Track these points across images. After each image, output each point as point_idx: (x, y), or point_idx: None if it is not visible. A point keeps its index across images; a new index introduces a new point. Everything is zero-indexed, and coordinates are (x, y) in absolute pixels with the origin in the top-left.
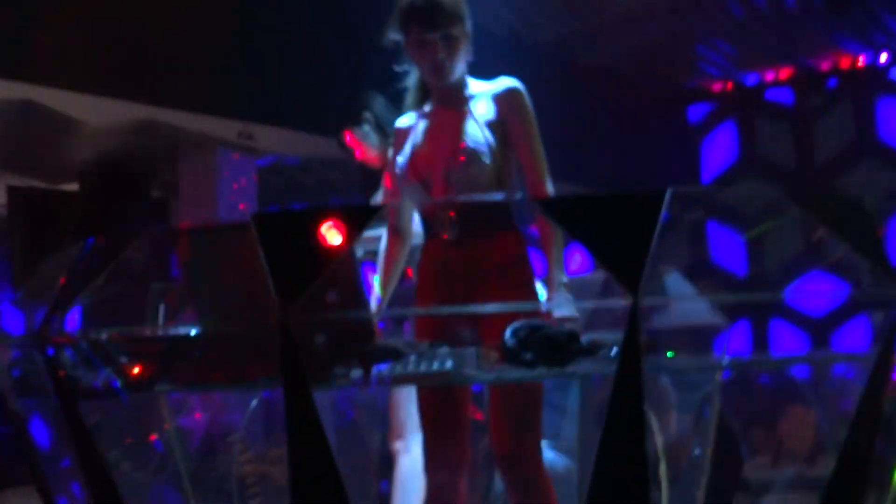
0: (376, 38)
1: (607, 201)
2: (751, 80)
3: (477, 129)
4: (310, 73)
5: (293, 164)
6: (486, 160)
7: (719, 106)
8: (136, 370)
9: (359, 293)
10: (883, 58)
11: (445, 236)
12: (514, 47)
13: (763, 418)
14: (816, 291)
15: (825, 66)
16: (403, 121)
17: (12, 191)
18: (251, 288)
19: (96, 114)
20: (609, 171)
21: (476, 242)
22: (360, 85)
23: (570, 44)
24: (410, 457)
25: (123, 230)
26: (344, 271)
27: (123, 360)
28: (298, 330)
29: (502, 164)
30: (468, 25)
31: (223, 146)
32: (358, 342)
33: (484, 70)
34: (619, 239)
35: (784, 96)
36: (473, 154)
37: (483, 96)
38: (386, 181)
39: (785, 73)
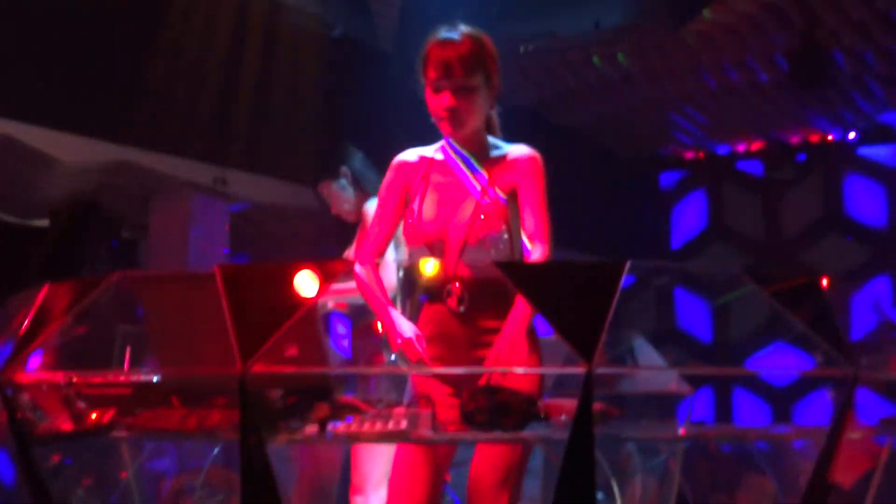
0: (355, 92)
1: (567, 269)
2: (722, 150)
3: (497, 207)
4: (288, 122)
5: (266, 211)
6: (502, 245)
7: (690, 174)
8: (93, 415)
9: (321, 348)
10: (851, 135)
11: (452, 306)
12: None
13: (722, 486)
14: (779, 363)
15: (795, 140)
16: (410, 156)
17: None
18: (213, 338)
19: (72, 152)
20: (580, 233)
21: (481, 315)
22: (338, 137)
23: (546, 105)
24: None
25: (91, 270)
26: (307, 326)
27: (82, 404)
28: (257, 383)
29: (515, 235)
30: (494, 79)
31: (197, 191)
32: (317, 398)
33: None
34: (577, 307)
35: (754, 167)
36: (489, 239)
37: (501, 159)
38: (360, 235)
39: (756, 144)
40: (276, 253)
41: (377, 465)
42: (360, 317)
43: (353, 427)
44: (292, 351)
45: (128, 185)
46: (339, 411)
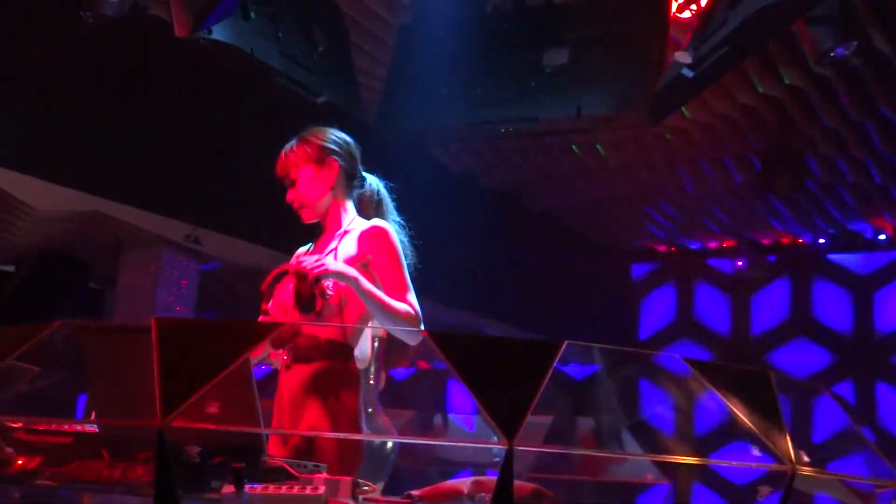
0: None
1: (500, 345)
2: (694, 245)
3: (329, 257)
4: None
5: (238, 272)
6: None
7: (661, 266)
8: (19, 461)
9: (251, 409)
10: (822, 240)
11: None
12: (468, 186)
13: None
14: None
15: (766, 241)
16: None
17: None
18: (145, 391)
19: (45, 199)
20: (547, 317)
21: (301, 367)
22: None
23: (523, 190)
24: None
25: (56, 317)
26: (239, 384)
27: (10, 449)
28: (176, 437)
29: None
30: (331, 162)
31: (168, 246)
32: (244, 458)
33: (437, 204)
34: (506, 383)
35: (725, 265)
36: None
37: (352, 234)
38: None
39: (728, 242)
40: (245, 314)
41: None
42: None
43: (271, 489)
44: (221, 409)
45: (99, 235)
46: (263, 473)
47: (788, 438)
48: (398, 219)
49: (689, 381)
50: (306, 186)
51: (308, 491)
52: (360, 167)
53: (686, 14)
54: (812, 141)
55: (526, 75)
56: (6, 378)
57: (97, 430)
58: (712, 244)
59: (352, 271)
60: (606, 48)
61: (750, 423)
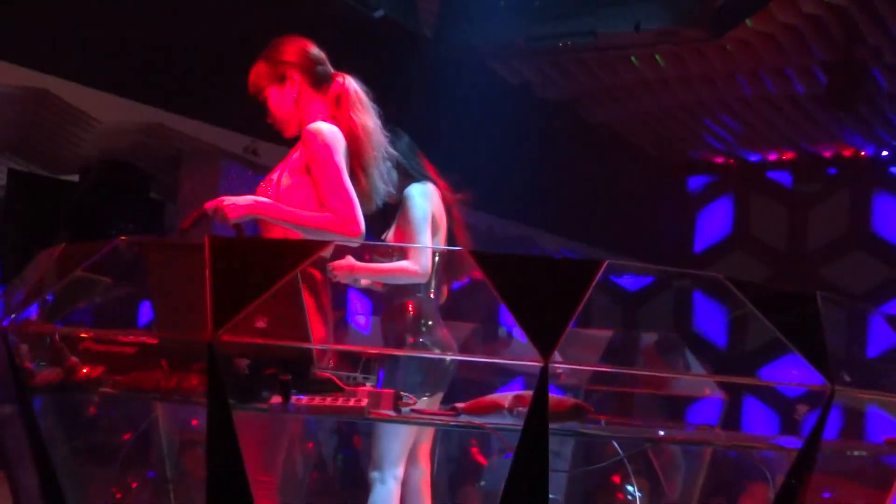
0: (395, 74)
1: (540, 264)
2: (753, 157)
3: (278, 172)
4: None
5: None
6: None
7: (719, 179)
8: (84, 370)
9: (300, 324)
10: (884, 153)
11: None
12: (525, 98)
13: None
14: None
15: (827, 153)
16: None
17: (13, 174)
18: (195, 306)
19: (109, 111)
20: (605, 229)
21: None
22: (386, 122)
23: (581, 102)
24: (385, 488)
25: (117, 227)
26: (289, 301)
27: (76, 359)
28: (226, 350)
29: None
30: (291, 72)
31: (227, 158)
32: (294, 370)
33: (494, 116)
34: (543, 303)
35: (784, 178)
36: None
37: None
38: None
39: (787, 155)
40: None
41: (396, 444)
42: (393, 298)
43: (316, 401)
44: (271, 323)
45: (160, 147)
46: (312, 385)
47: (829, 358)
48: (361, 117)
49: (735, 299)
50: (275, 106)
51: (352, 403)
52: (325, 67)
53: None
54: (878, 51)
55: None
56: (72, 291)
57: (157, 342)
58: (771, 156)
59: (255, 204)
60: None
61: (791, 344)
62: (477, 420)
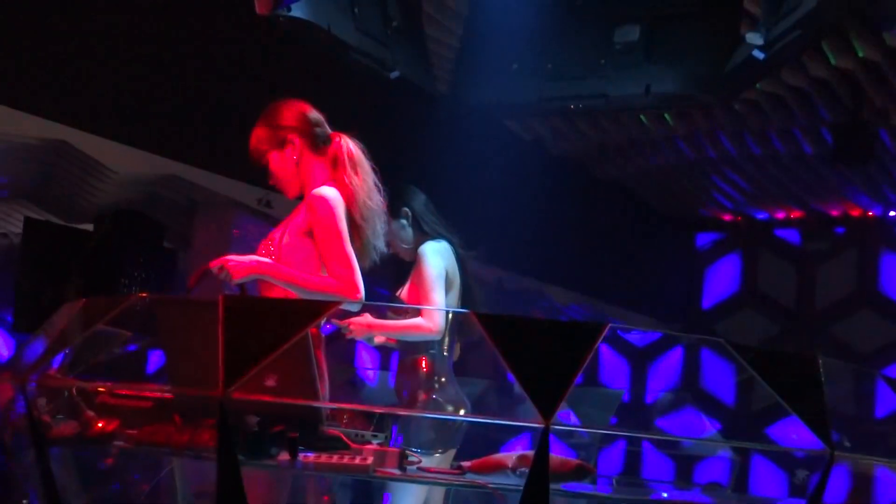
0: (411, 133)
1: (543, 326)
2: (761, 215)
3: (274, 246)
4: None
5: None
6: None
7: (727, 236)
8: (99, 424)
9: (310, 382)
10: (892, 213)
11: None
12: (536, 154)
13: None
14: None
15: (835, 212)
16: None
17: (29, 222)
18: (208, 362)
19: (124, 162)
20: (613, 285)
21: None
22: (393, 178)
23: (591, 157)
24: None
25: (130, 275)
26: (299, 359)
27: (92, 413)
28: (237, 407)
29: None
30: (290, 136)
31: (241, 209)
32: (303, 428)
33: (505, 171)
34: (545, 364)
35: (791, 236)
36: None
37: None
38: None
39: (795, 213)
40: None
41: (409, 499)
42: (406, 355)
43: (323, 458)
44: (281, 381)
45: (174, 197)
46: (320, 442)
47: (828, 421)
48: (358, 178)
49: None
50: (277, 170)
51: (357, 461)
52: (323, 129)
53: None
54: (884, 113)
55: (596, 52)
56: (92, 345)
57: (172, 397)
58: (779, 215)
59: (259, 265)
60: (678, 26)
61: (791, 407)
62: (481, 479)
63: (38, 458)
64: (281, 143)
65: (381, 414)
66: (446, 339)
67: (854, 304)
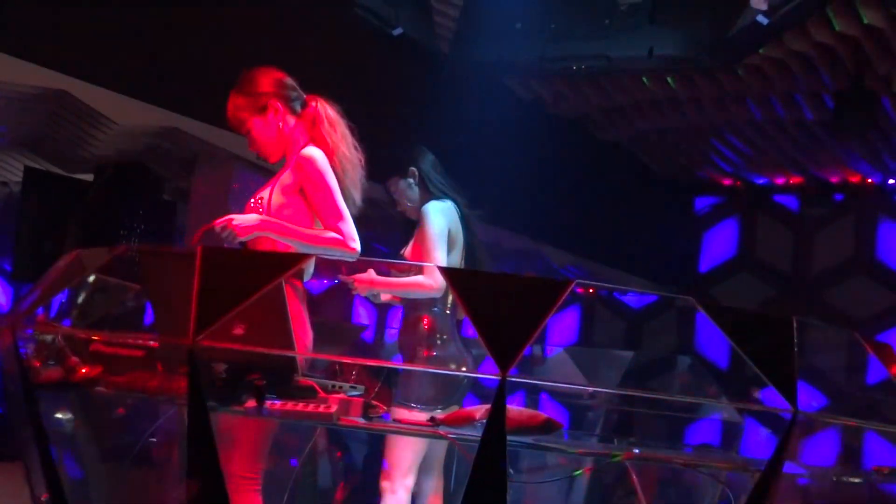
0: (410, 91)
1: (509, 281)
2: (760, 180)
3: (267, 190)
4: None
5: None
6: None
7: (726, 200)
8: (83, 370)
9: (284, 332)
10: (891, 181)
11: None
12: (536, 114)
13: None
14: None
15: (834, 179)
16: None
17: (29, 172)
18: (184, 311)
19: (125, 113)
20: (610, 246)
21: None
22: (397, 136)
23: (591, 119)
24: (395, 498)
25: (130, 226)
26: (273, 309)
27: (77, 359)
28: (206, 355)
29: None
30: (270, 102)
31: (239, 163)
32: (277, 377)
33: (504, 131)
34: (507, 317)
35: (790, 202)
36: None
37: (293, 163)
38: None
39: (794, 179)
40: None
41: (407, 454)
42: (410, 312)
43: (289, 406)
44: (254, 330)
45: (174, 150)
46: (292, 391)
47: (794, 382)
48: (337, 137)
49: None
50: (259, 136)
51: (321, 409)
52: (299, 93)
53: None
54: (887, 80)
55: (600, 12)
56: (89, 295)
57: (157, 346)
58: (778, 180)
59: (262, 223)
60: None
61: (755, 366)
62: (450, 431)
63: (27, 401)
64: (262, 109)
65: (387, 370)
66: (449, 297)
67: (851, 271)
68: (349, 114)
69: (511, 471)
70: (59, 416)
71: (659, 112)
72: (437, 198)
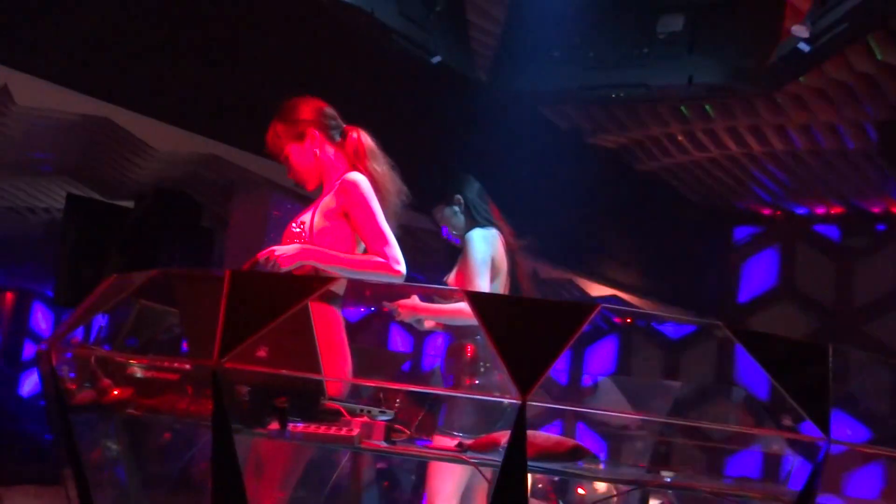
0: (447, 119)
1: (531, 305)
2: (800, 210)
3: (309, 214)
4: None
5: None
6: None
7: (765, 230)
8: (115, 392)
9: (310, 355)
10: None
11: None
12: (574, 144)
13: None
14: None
15: (876, 209)
16: None
17: (71, 199)
18: (210, 334)
19: (165, 141)
20: (648, 276)
21: None
22: (437, 163)
23: (629, 149)
24: None
25: (169, 252)
26: (298, 333)
27: (109, 381)
28: (230, 377)
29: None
30: (307, 129)
31: (277, 190)
32: (304, 400)
33: (541, 160)
34: (528, 341)
35: (831, 232)
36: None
37: (334, 188)
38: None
39: (835, 209)
40: None
41: (448, 484)
42: (454, 339)
43: (311, 429)
44: (280, 353)
45: (213, 177)
46: (318, 414)
47: (829, 412)
48: (378, 167)
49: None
50: (296, 163)
51: (343, 432)
52: (338, 122)
53: None
54: None
55: (639, 41)
56: (134, 321)
57: (190, 368)
58: (819, 210)
59: (303, 251)
60: (722, 16)
61: (785, 391)
62: (477, 457)
63: (62, 423)
64: (300, 136)
65: (431, 398)
66: None
67: (893, 303)
68: (387, 142)
69: (560, 502)
70: (103, 441)
71: (697, 142)
72: (482, 226)
